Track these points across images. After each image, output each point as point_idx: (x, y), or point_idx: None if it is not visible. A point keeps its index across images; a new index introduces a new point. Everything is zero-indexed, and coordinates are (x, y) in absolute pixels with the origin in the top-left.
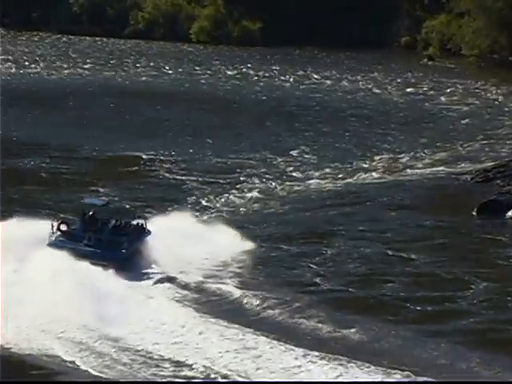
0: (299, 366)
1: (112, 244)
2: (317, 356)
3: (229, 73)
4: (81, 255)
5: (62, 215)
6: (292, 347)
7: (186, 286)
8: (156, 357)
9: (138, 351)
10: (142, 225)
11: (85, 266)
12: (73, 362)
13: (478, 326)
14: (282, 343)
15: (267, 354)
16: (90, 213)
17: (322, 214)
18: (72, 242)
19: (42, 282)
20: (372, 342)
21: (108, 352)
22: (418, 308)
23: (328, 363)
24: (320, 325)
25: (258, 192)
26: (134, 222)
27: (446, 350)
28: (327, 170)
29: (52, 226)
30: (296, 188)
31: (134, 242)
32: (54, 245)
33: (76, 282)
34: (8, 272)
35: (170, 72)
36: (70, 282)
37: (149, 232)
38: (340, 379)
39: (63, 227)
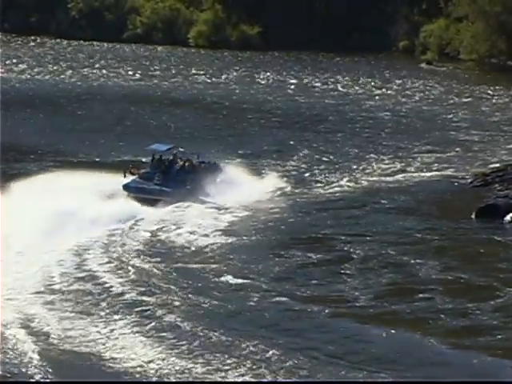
0: None
1: (178, 181)
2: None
3: (228, 77)
4: (149, 192)
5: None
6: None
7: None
8: None
9: None
10: (215, 163)
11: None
12: None
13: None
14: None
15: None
16: (158, 156)
17: (321, 218)
18: (144, 182)
19: None
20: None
21: None
22: (443, 319)
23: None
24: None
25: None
26: (207, 161)
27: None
28: (326, 175)
29: (124, 172)
30: (294, 193)
31: (199, 179)
32: (127, 185)
33: None
34: None
35: (168, 76)
36: None
37: (221, 170)
38: None
39: (134, 171)
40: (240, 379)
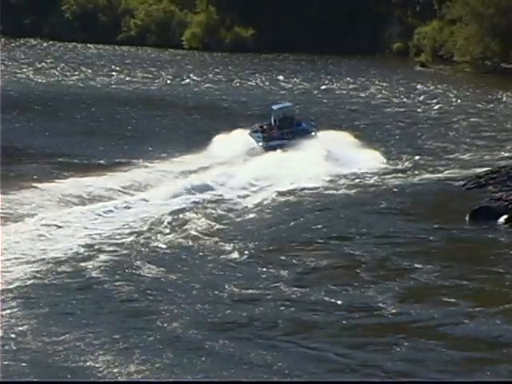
0: None
1: (301, 133)
2: None
3: (221, 80)
4: (283, 146)
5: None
6: None
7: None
8: None
9: None
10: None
11: None
12: None
13: None
14: None
15: None
16: (281, 115)
17: (315, 221)
18: (276, 140)
19: None
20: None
21: None
22: (464, 328)
23: None
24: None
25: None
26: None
27: None
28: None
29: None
30: (286, 196)
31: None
32: (266, 146)
33: None
34: None
35: (162, 79)
36: None
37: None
38: None
39: (266, 132)
40: None
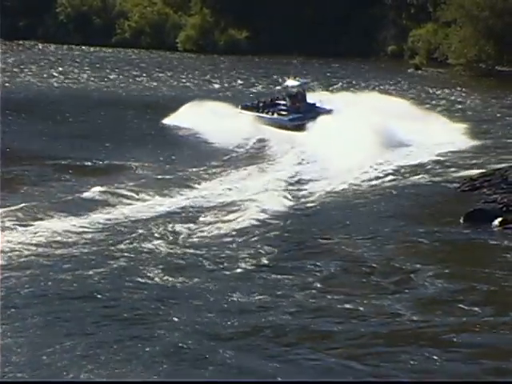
0: None
1: (313, 108)
2: None
3: (216, 82)
4: (305, 120)
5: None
6: None
7: None
8: None
9: None
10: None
11: None
12: None
13: None
14: None
15: None
16: (295, 91)
17: (309, 223)
18: (292, 113)
19: None
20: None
21: None
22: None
23: None
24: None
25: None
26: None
27: None
28: (312, 179)
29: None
30: (281, 198)
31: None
32: (290, 119)
33: None
34: None
35: (157, 81)
36: None
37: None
38: None
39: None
40: None
